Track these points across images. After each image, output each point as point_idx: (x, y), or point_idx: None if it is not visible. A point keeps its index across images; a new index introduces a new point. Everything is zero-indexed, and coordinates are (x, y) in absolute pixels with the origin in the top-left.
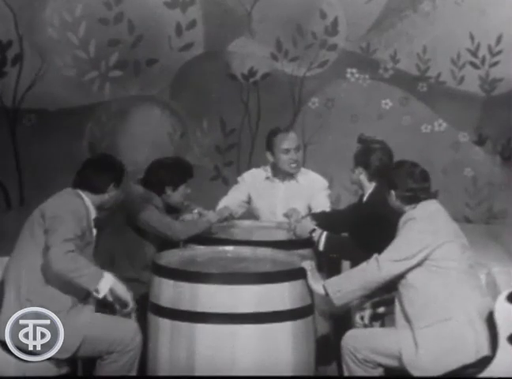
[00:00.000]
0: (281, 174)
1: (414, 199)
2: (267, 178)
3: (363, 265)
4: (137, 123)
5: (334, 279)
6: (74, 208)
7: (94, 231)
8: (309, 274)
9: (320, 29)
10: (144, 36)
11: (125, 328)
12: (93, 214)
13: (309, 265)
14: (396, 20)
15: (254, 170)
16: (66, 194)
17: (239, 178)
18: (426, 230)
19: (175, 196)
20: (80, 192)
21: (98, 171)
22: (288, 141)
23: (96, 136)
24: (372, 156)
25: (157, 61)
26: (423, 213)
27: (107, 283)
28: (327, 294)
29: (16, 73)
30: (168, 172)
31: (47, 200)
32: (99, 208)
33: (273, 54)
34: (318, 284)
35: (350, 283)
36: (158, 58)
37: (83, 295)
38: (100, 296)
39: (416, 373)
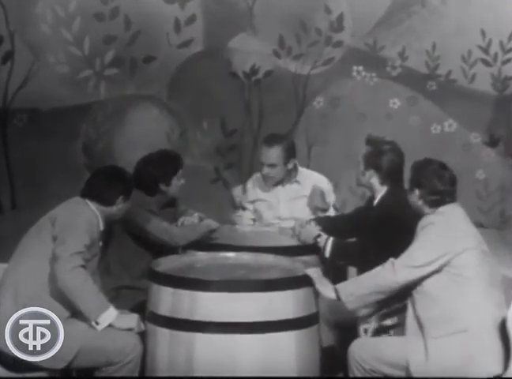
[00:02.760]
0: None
1: (438, 202)
2: (264, 179)
3: (378, 269)
4: (133, 123)
5: (347, 283)
6: (87, 218)
7: (100, 244)
8: (316, 280)
9: (325, 25)
10: (142, 33)
11: (124, 340)
12: (101, 226)
13: (314, 272)
14: (404, 16)
15: (255, 177)
16: (77, 203)
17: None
18: (445, 236)
19: (171, 190)
20: (89, 202)
21: (107, 183)
22: (263, 155)
23: (91, 137)
24: (383, 158)
25: (155, 58)
26: (443, 218)
27: (108, 318)
28: (339, 299)
29: (7, 70)
30: (157, 168)
31: (57, 206)
32: (106, 220)
33: (276, 51)
34: (327, 289)
35: (363, 287)
36: (156, 56)
37: None
38: (98, 329)
39: None
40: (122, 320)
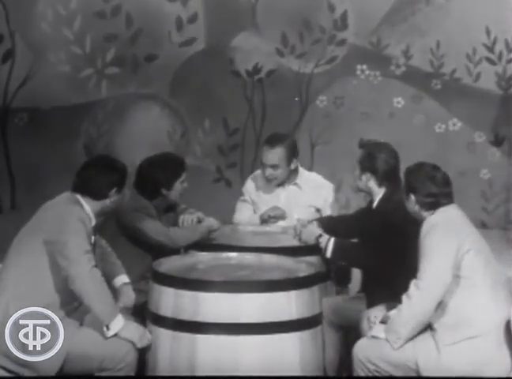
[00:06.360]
0: None
1: (434, 204)
2: (268, 181)
3: (407, 301)
4: (135, 122)
5: (391, 327)
6: (79, 216)
7: (92, 239)
8: (379, 327)
9: (328, 23)
10: (143, 31)
11: (115, 346)
12: (93, 222)
13: (381, 332)
14: (408, 14)
15: (256, 173)
16: (67, 200)
17: (243, 189)
18: (450, 237)
19: (172, 194)
20: (81, 197)
21: (99, 176)
22: (265, 156)
23: (91, 137)
24: (378, 160)
25: (157, 57)
26: (444, 218)
27: (118, 324)
28: (387, 341)
29: (7, 69)
30: (159, 172)
31: (46, 205)
32: (98, 213)
33: (279, 49)
34: (380, 333)
35: (405, 325)
36: (157, 54)
37: (66, 311)
38: (108, 335)
39: None
40: (127, 330)
